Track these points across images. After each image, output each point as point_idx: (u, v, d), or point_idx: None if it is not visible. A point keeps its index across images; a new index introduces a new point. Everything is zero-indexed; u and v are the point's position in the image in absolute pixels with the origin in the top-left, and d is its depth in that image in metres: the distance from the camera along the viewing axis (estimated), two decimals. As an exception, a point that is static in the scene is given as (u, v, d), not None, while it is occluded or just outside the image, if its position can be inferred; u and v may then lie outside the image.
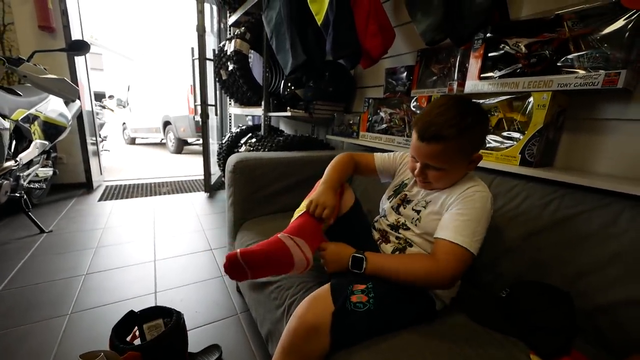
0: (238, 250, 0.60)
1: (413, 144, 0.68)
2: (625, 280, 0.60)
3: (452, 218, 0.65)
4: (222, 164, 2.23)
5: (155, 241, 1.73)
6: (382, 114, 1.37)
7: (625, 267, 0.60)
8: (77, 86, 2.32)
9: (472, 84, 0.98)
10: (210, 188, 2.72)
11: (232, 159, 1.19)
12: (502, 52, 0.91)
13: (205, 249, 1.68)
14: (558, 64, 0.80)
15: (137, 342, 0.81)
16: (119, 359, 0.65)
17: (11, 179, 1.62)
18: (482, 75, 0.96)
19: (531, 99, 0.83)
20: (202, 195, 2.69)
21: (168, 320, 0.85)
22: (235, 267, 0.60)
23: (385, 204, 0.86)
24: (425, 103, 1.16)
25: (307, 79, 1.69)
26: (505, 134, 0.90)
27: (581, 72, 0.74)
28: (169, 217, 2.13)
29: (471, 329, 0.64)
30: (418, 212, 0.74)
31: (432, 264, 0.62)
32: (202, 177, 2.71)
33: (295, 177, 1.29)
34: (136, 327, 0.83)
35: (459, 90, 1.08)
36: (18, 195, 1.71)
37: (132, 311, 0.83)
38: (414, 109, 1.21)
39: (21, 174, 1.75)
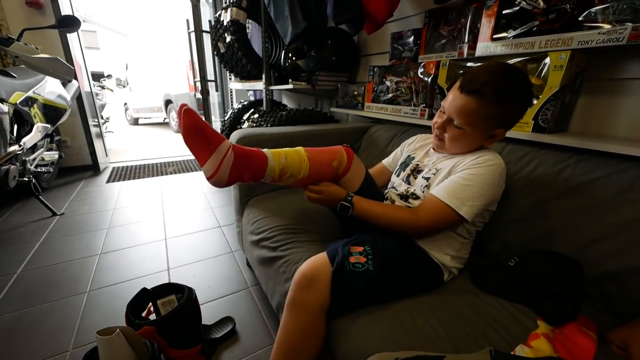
0: (187, 107, 0.64)
1: (449, 94, 0.68)
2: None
3: (451, 179, 0.66)
4: (225, 142, 2.21)
5: (165, 220, 1.76)
6: (387, 83, 1.30)
7: (641, 233, 0.59)
8: (72, 65, 2.26)
9: (484, 46, 0.92)
10: (215, 166, 2.71)
11: (235, 136, 1.17)
12: (518, 8, 0.84)
13: (214, 226, 1.71)
14: (579, 19, 0.73)
15: (153, 317, 0.84)
16: (134, 334, 0.66)
17: (17, 164, 1.63)
18: (495, 36, 0.89)
19: (547, 60, 0.77)
20: (208, 174, 2.69)
21: (180, 295, 0.88)
22: (179, 113, 0.64)
23: (394, 179, 0.86)
24: (433, 69, 1.09)
25: (309, 48, 1.61)
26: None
27: (605, 26, 0.68)
28: (177, 196, 2.15)
29: (478, 296, 0.64)
30: (427, 179, 0.73)
31: (411, 216, 0.66)
32: (207, 156, 2.70)
33: (299, 152, 1.27)
34: (150, 303, 0.86)
35: (470, 54, 1.01)
36: (27, 179, 1.73)
37: (144, 288, 0.86)
38: (421, 76, 1.15)
39: (27, 159, 1.76)
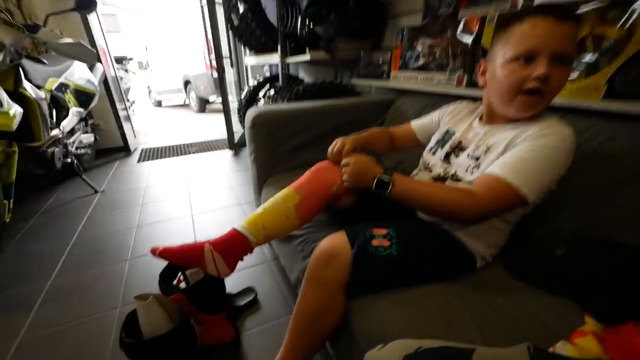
0: (160, 248, 0.69)
1: (539, 33, 0.51)
2: None
3: (510, 154, 0.56)
4: (243, 121, 2.20)
5: (190, 197, 1.84)
6: (419, 47, 1.14)
7: None
8: (97, 49, 2.31)
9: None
10: (234, 145, 2.73)
11: (250, 114, 1.13)
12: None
13: (235, 203, 1.76)
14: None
15: (183, 285, 0.90)
16: (167, 300, 0.73)
17: (60, 146, 1.75)
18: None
19: (637, 6, 0.60)
20: (229, 153, 2.74)
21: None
22: (156, 256, 0.70)
23: (428, 158, 0.76)
24: (476, 27, 0.92)
25: (328, 11, 1.47)
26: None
27: None
28: (200, 175, 2.23)
29: (514, 285, 0.58)
30: (477, 158, 0.63)
31: (467, 196, 0.55)
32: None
33: (318, 128, 1.20)
34: (180, 273, 0.92)
35: (526, 5, 0.83)
36: (70, 160, 1.87)
37: (173, 260, 0.91)
38: (461, 35, 0.98)
39: (67, 141, 1.88)
